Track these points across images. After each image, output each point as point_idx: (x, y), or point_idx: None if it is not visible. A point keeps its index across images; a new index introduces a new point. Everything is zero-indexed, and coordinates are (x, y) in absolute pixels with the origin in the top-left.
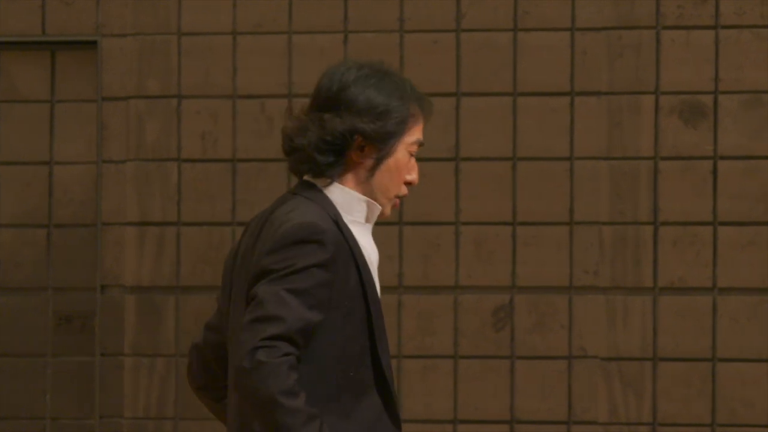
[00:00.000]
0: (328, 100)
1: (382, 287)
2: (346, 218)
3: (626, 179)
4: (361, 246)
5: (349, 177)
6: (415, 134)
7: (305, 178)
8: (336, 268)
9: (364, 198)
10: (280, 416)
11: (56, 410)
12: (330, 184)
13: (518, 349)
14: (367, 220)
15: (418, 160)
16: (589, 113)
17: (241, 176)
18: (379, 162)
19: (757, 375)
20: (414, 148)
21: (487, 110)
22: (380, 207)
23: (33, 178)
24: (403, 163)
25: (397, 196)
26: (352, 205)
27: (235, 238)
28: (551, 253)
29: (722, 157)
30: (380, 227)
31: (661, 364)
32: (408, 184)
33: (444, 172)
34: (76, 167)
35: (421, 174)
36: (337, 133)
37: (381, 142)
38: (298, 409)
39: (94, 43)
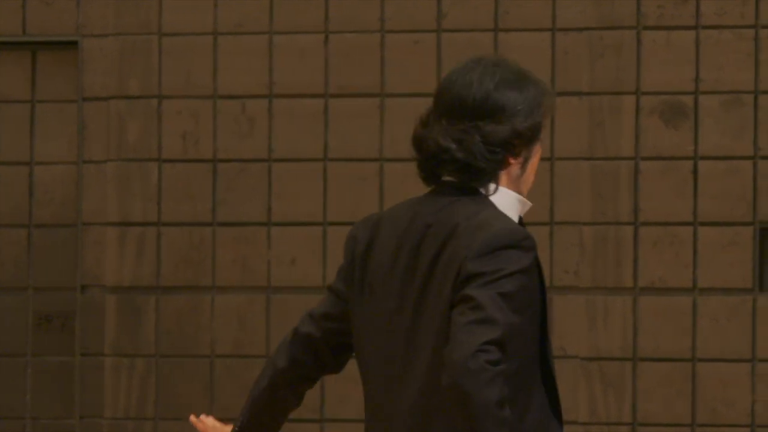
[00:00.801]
0: (478, 109)
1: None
2: None
3: (607, 179)
4: None
5: (503, 178)
6: (543, 130)
7: (446, 178)
8: (533, 273)
9: (519, 196)
10: (490, 426)
11: (36, 410)
12: (494, 188)
13: None
14: (521, 213)
15: (402, 160)
16: (571, 113)
17: (221, 176)
18: (527, 159)
19: (737, 375)
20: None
21: None
22: (530, 204)
23: (14, 178)
24: (539, 158)
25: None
26: (512, 205)
27: (216, 238)
28: None
29: (703, 158)
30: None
31: (641, 364)
32: None
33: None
34: (56, 167)
35: (404, 174)
36: (501, 140)
37: (534, 140)
38: (509, 422)
39: (74, 43)
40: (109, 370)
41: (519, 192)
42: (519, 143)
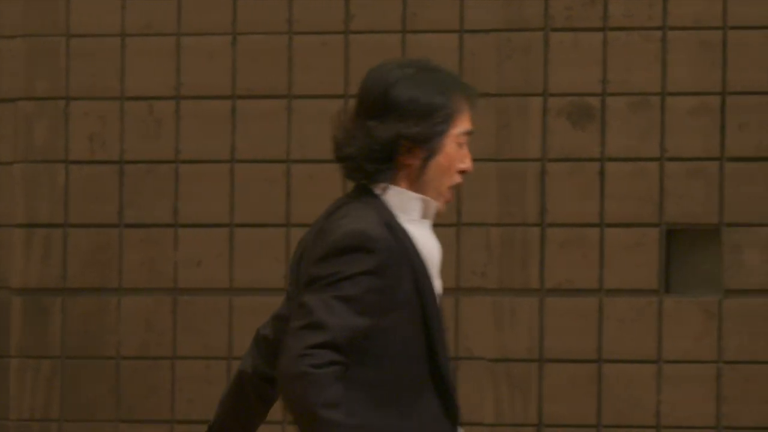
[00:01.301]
0: (372, 105)
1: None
2: (403, 218)
3: (514, 181)
4: (420, 244)
5: (402, 178)
6: (461, 126)
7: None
8: (388, 273)
9: (419, 196)
10: (319, 428)
11: None
12: (384, 187)
13: None
14: (424, 217)
15: (309, 161)
16: (478, 115)
17: (129, 178)
18: (427, 161)
19: (642, 376)
20: (463, 139)
21: None
22: (436, 203)
23: None
24: (453, 156)
25: (450, 187)
26: (407, 205)
27: (123, 239)
28: None
29: (610, 159)
30: (268, 229)
31: (547, 365)
32: (462, 172)
33: (333, 174)
34: None
35: (309, 176)
36: (383, 140)
37: (427, 143)
38: (336, 422)
39: None
40: (15, 371)
41: (422, 191)
42: (408, 144)
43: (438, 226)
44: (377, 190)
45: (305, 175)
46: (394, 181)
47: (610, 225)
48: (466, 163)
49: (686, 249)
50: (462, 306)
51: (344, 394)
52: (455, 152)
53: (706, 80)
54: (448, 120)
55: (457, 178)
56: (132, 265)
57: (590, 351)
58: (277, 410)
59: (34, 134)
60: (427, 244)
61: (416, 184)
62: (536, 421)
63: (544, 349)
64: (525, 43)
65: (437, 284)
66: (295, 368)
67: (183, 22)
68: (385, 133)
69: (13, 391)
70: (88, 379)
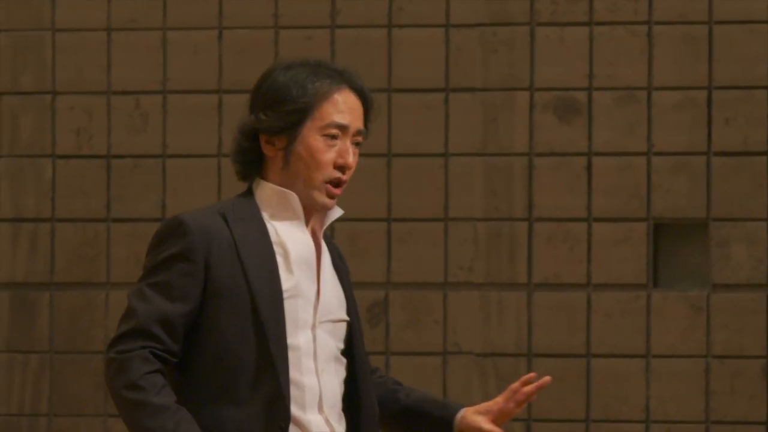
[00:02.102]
0: (250, 97)
1: None
2: (269, 212)
3: (501, 175)
4: (278, 238)
5: (269, 171)
6: (328, 118)
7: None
8: (200, 258)
9: (276, 188)
10: (127, 411)
11: None
12: (255, 181)
13: (393, 345)
14: (287, 210)
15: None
16: (464, 110)
17: (115, 172)
18: (287, 152)
19: (630, 370)
20: (332, 131)
21: None
22: (295, 196)
23: None
24: (317, 148)
25: (330, 183)
26: (269, 198)
27: (110, 234)
28: (426, 249)
29: (596, 154)
30: None
31: (535, 359)
32: (340, 167)
33: None
34: None
35: None
36: (242, 134)
37: (283, 133)
38: (141, 402)
39: None
40: (3, 366)
41: (290, 185)
42: (266, 136)
43: (425, 221)
44: (252, 185)
45: None
46: (264, 176)
47: (597, 219)
48: (344, 158)
49: (674, 243)
50: (449, 301)
51: (153, 376)
52: (321, 145)
53: (692, 75)
54: (306, 111)
55: (334, 173)
56: (119, 260)
57: (578, 346)
58: None
59: (20, 129)
60: (288, 238)
61: (284, 177)
62: (525, 416)
63: (532, 344)
64: (511, 37)
65: (292, 279)
66: (106, 356)
67: (169, 17)
68: (244, 126)
69: (1, 386)
70: (75, 373)
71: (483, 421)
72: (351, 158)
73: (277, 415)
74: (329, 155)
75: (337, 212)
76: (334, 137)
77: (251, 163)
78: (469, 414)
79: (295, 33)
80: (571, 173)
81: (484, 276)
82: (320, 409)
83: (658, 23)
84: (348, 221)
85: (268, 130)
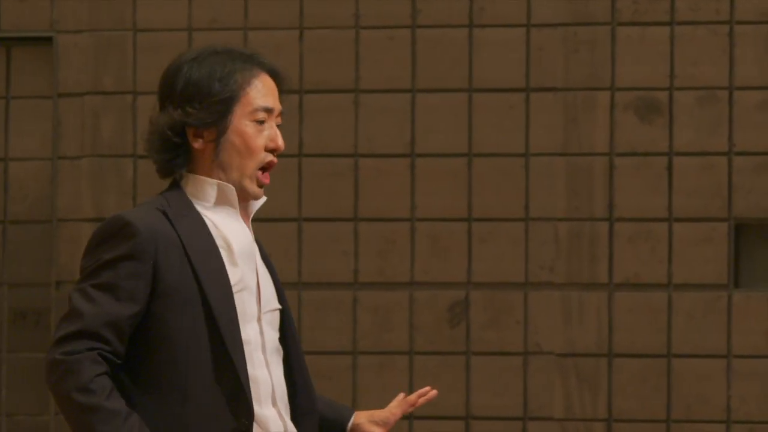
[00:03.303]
0: (160, 98)
1: (336, 282)
2: (203, 206)
3: (582, 175)
4: (218, 231)
5: (198, 164)
6: (254, 103)
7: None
8: (148, 258)
9: (214, 181)
10: (78, 414)
11: (11, 406)
12: (182, 177)
13: (474, 345)
14: (223, 203)
15: (376, 156)
16: (545, 109)
17: None
18: (218, 143)
19: (712, 371)
20: (262, 116)
21: (442, 106)
22: (232, 188)
23: None
24: (249, 135)
25: (263, 169)
26: (204, 191)
27: None
28: (507, 249)
29: (677, 153)
30: (335, 224)
31: (616, 360)
32: (272, 151)
33: (400, 168)
34: (31, 163)
35: (377, 170)
36: (166, 130)
37: (212, 126)
38: (94, 406)
39: (49, 39)
40: None
41: (221, 176)
42: (193, 129)
43: (506, 221)
44: (178, 179)
45: (372, 169)
46: (191, 169)
47: (678, 219)
48: (275, 141)
49: (755, 243)
50: (530, 301)
51: (102, 378)
52: (252, 131)
53: None
54: (232, 100)
55: (265, 157)
56: None
57: (659, 346)
58: None
59: (101, 129)
60: (229, 231)
61: (214, 168)
62: (606, 416)
63: (613, 344)
64: (592, 37)
65: (238, 272)
66: (50, 357)
67: (250, 17)
68: (166, 122)
69: None
70: None
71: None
72: (281, 141)
73: (239, 412)
74: (260, 141)
75: (260, 201)
76: (261, 122)
77: (177, 158)
78: (364, 422)
79: (376, 33)
80: (652, 173)
81: (565, 276)
82: (273, 402)
83: (739, 23)
84: (429, 221)
85: (199, 123)
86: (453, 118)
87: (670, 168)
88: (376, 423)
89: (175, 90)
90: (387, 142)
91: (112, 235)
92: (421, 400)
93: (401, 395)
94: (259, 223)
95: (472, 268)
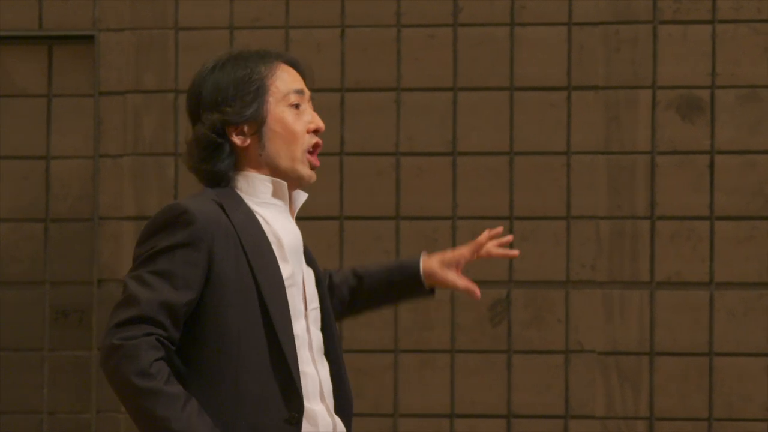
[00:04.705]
0: (191, 111)
1: None
2: (253, 201)
3: (623, 174)
4: (270, 227)
5: (246, 162)
6: (284, 88)
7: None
8: (205, 247)
9: (267, 177)
10: (137, 399)
11: (53, 404)
12: (232, 179)
13: (515, 344)
14: (276, 196)
15: (418, 154)
16: (586, 108)
17: None
18: (260, 134)
19: (754, 369)
20: (295, 99)
21: (483, 105)
22: (284, 183)
23: (30, 173)
24: (288, 120)
25: (309, 151)
26: (255, 187)
27: None
28: (548, 247)
29: (719, 152)
30: (377, 222)
31: (658, 358)
32: (315, 132)
33: (441, 167)
34: (73, 161)
35: (418, 168)
36: (207, 137)
37: (250, 119)
38: (154, 390)
39: (91, 37)
40: None
41: (276, 169)
42: (232, 128)
43: (547, 219)
44: (231, 181)
45: (414, 167)
46: (240, 168)
47: (720, 218)
48: (315, 122)
49: None
50: (572, 299)
51: (160, 363)
52: (290, 115)
53: None
54: (262, 88)
55: (310, 139)
56: None
57: (701, 344)
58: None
59: (143, 127)
60: (280, 227)
61: (263, 162)
62: (647, 415)
63: (654, 342)
64: (633, 35)
65: (288, 268)
66: (107, 342)
67: (291, 16)
68: (206, 129)
69: None
70: None
71: (456, 278)
72: (320, 121)
73: (290, 403)
74: (301, 124)
75: (303, 197)
76: (297, 106)
77: (224, 161)
78: (436, 265)
79: (417, 31)
80: (694, 171)
81: (607, 274)
82: (322, 398)
83: None
84: (470, 219)
85: (237, 119)
86: (494, 117)
87: (711, 166)
88: (448, 266)
89: (206, 98)
90: (428, 141)
91: (169, 222)
92: (492, 243)
93: (481, 238)
94: (301, 221)
95: (514, 266)
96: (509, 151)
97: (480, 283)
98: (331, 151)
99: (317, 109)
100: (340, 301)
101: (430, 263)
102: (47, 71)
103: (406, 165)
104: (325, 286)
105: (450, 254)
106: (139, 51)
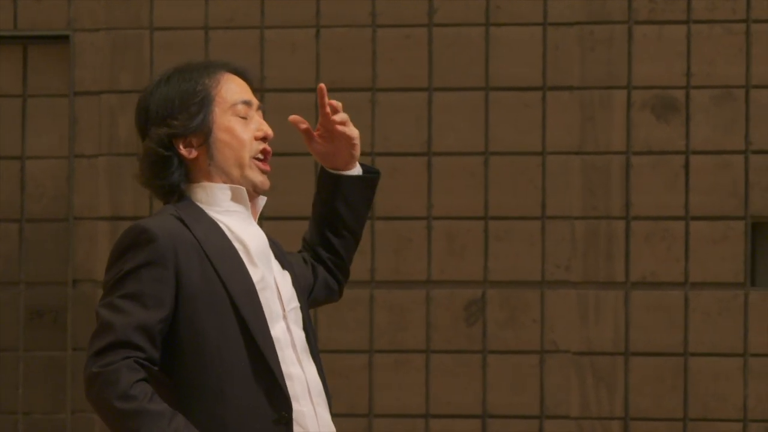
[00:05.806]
0: (140, 127)
1: (353, 281)
2: (215, 210)
3: (598, 174)
4: (234, 234)
5: (198, 174)
6: (230, 98)
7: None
8: (172, 262)
9: (224, 185)
10: (123, 421)
11: (28, 405)
12: (187, 187)
13: (490, 344)
14: (237, 202)
15: (393, 154)
16: (561, 108)
17: None
18: (208, 145)
19: (728, 369)
20: (243, 110)
21: (459, 105)
22: (243, 189)
23: (5, 173)
24: (235, 128)
25: (259, 158)
26: (215, 196)
27: None
28: (523, 247)
29: (694, 152)
30: None
31: (633, 358)
32: (263, 139)
33: (416, 167)
34: (48, 162)
35: (393, 168)
36: (156, 151)
37: (197, 129)
38: (137, 410)
39: (66, 37)
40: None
41: (227, 178)
42: (180, 141)
43: (522, 219)
44: (186, 193)
45: (389, 167)
46: (194, 179)
47: (695, 218)
48: (262, 129)
49: None
50: (547, 299)
51: (141, 384)
52: (237, 124)
53: None
54: (207, 99)
55: (258, 146)
56: None
57: (676, 344)
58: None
59: (118, 127)
60: (244, 232)
61: (214, 172)
62: (622, 415)
63: (629, 343)
64: (608, 35)
65: (258, 272)
66: (87, 372)
67: (266, 16)
68: (154, 144)
69: None
70: None
71: (333, 131)
72: (268, 128)
73: (278, 405)
74: (248, 132)
75: (263, 201)
76: (245, 115)
77: (174, 174)
78: (319, 148)
79: (392, 31)
80: (669, 172)
81: (582, 274)
82: (310, 398)
83: (756, 21)
84: (445, 219)
85: (184, 131)
86: (469, 117)
87: (686, 166)
88: (323, 137)
89: (153, 112)
90: (403, 141)
91: (131, 244)
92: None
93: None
94: (273, 221)
95: (489, 266)
96: (484, 151)
97: (455, 283)
98: (306, 151)
99: (296, 109)
100: (331, 253)
101: (316, 153)
102: (22, 71)
103: (381, 165)
104: (309, 276)
105: (315, 132)
106: (114, 51)
